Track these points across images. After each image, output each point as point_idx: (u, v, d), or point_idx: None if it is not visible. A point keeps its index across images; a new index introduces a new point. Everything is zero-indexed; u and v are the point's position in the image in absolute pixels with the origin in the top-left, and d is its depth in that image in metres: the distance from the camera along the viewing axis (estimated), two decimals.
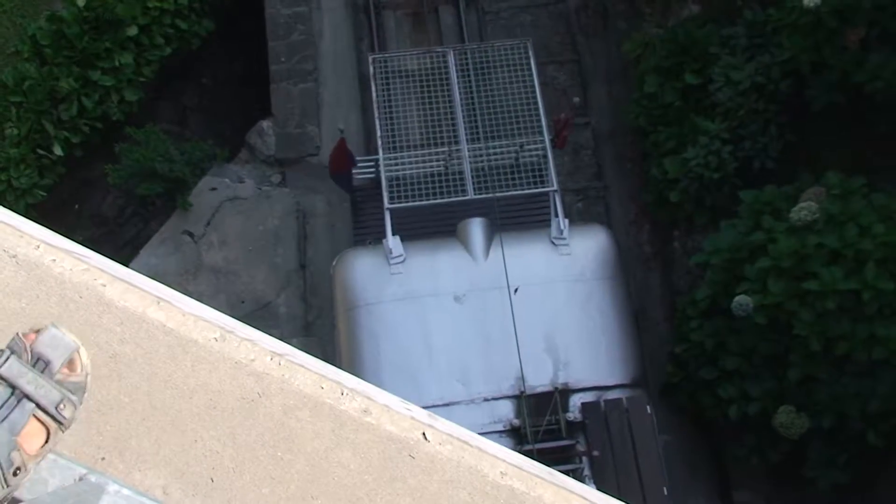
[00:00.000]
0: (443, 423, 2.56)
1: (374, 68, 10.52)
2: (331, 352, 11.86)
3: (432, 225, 10.23)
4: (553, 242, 9.50)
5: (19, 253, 2.51)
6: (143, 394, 2.40)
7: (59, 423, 1.99)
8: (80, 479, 2.14)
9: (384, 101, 10.35)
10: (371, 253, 9.71)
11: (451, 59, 10.52)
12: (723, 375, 9.99)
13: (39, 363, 1.98)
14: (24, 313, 2.42)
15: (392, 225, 9.56)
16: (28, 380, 1.94)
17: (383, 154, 10.05)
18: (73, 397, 2.02)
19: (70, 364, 2.04)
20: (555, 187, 9.78)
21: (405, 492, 2.39)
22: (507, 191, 9.77)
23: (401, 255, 9.41)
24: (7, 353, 1.96)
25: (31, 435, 1.94)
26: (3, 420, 1.90)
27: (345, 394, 2.50)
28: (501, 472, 2.49)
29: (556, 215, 9.61)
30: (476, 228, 9.62)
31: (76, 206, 13.30)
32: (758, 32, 11.16)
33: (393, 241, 9.45)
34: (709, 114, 11.27)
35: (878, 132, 10.40)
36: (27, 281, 2.47)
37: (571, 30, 14.13)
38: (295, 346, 2.58)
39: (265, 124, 13.41)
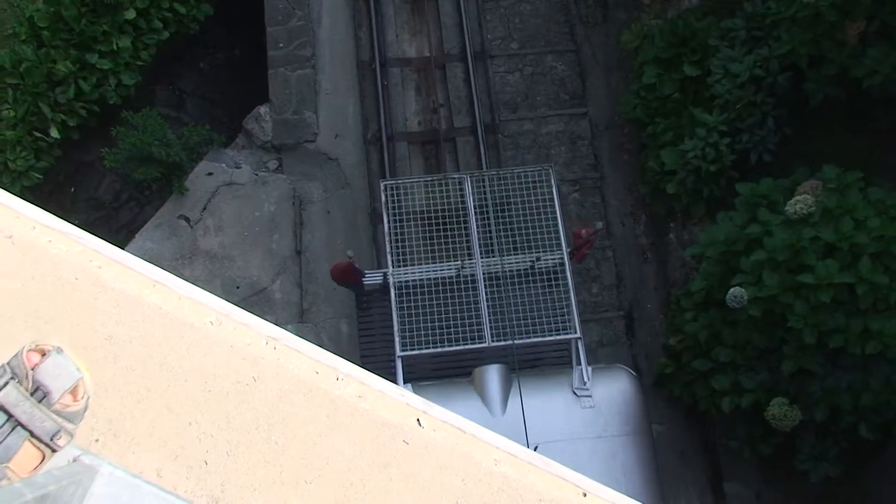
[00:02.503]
0: (437, 410, 2.56)
1: (386, 196, 9.83)
2: (325, 339, 11.85)
3: (448, 366, 9.79)
4: (575, 393, 9.05)
5: (15, 234, 2.50)
6: (137, 376, 2.40)
7: (54, 450, 1.98)
8: (74, 460, 2.15)
9: (396, 230, 9.74)
10: None
11: (467, 185, 9.95)
12: (716, 367, 10.02)
13: (39, 392, 1.95)
14: (20, 294, 2.41)
15: (403, 372, 9.04)
16: (24, 409, 1.91)
17: (395, 291, 9.48)
18: (70, 426, 1.98)
19: (72, 392, 2.02)
20: (577, 334, 9.25)
21: (399, 477, 2.40)
22: (527, 337, 9.23)
23: None
24: (7, 376, 1.93)
25: (25, 459, 1.92)
26: None
27: (339, 379, 2.51)
28: (495, 460, 2.50)
29: (579, 363, 9.13)
30: (493, 377, 9.15)
31: (72, 190, 13.26)
32: (757, 25, 11.14)
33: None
34: (707, 106, 11.26)
35: (875, 127, 10.41)
36: (23, 262, 2.47)
37: (571, 19, 14.10)
38: (290, 333, 2.59)
39: (262, 110, 13.38)
